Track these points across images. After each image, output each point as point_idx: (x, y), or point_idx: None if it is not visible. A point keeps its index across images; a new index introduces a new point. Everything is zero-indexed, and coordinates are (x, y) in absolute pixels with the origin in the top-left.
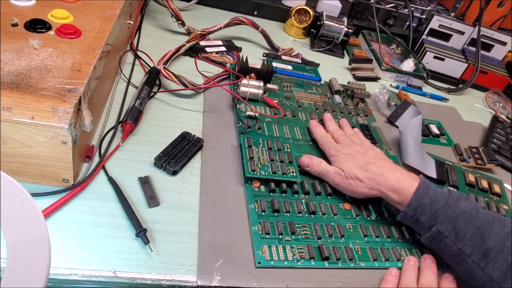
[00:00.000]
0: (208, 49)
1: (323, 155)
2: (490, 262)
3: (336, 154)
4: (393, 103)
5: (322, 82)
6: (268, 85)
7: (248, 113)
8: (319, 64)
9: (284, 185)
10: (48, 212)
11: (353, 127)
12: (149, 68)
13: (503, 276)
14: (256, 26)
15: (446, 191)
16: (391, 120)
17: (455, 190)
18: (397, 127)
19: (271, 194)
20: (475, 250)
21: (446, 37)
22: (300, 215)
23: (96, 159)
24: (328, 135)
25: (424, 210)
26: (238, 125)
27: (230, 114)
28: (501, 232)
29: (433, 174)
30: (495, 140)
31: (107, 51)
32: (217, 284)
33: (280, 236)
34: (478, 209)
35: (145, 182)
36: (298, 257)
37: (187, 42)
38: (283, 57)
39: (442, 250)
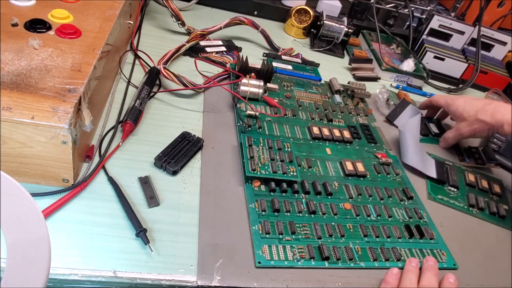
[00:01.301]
0: (208, 49)
1: (324, 154)
2: None
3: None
4: (393, 103)
5: (322, 82)
6: (268, 85)
7: (248, 112)
8: (319, 64)
9: (284, 185)
10: (48, 212)
11: (353, 126)
12: (149, 68)
13: None
14: (256, 26)
15: None
16: (390, 119)
17: None
18: (396, 126)
19: (271, 193)
20: None
21: (446, 37)
22: (300, 214)
23: (96, 159)
24: None
25: None
26: (239, 124)
27: (230, 114)
28: None
29: (433, 174)
30: (495, 140)
31: (107, 51)
32: (217, 284)
33: (280, 236)
34: None
35: (145, 182)
36: (298, 257)
37: (187, 42)
38: (283, 57)
39: None
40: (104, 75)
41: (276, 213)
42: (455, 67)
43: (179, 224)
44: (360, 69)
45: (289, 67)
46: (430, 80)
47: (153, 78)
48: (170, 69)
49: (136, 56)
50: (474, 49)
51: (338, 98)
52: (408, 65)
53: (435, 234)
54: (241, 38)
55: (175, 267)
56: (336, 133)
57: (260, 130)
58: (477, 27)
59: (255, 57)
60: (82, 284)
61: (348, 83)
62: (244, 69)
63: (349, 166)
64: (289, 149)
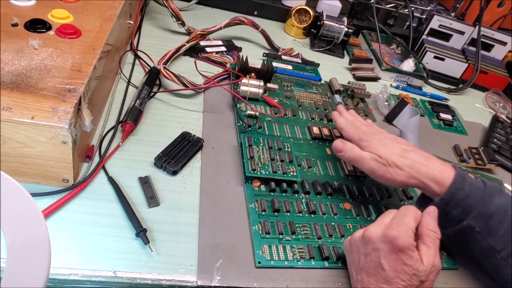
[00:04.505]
0: (208, 49)
1: (324, 153)
2: None
3: (368, 139)
4: (393, 102)
5: (322, 81)
6: (268, 85)
7: (248, 112)
8: (319, 64)
9: (284, 185)
10: (48, 212)
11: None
12: (149, 68)
13: None
14: (256, 26)
15: (482, 184)
16: (388, 119)
17: (490, 182)
18: (395, 126)
19: (272, 193)
20: (506, 247)
21: (446, 37)
22: (300, 214)
23: (96, 159)
24: (353, 123)
25: (457, 204)
26: (239, 124)
27: (230, 114)
28: None
29: None
30: (495, 140)
31: (107, 51)
32: (217, 284)
33: (280, 236)
34: None
35: (145, 182)
36: (298, 257)
37: (187, 42)
38: (283, 57)
39: (470, 243)
40: (104, 75)
41: (276, 213)
42: (455, 67)
43: (179, 224)
44: (360, 69)
45: (289, 67)
46: (430, 80)
47: (153, 78)
48: (170, 69)
49: (136, 56)
50: (474, 49)
51: (338, 98)
52: (408, 65)
53: None
54: (241, 38)
55: (175, 267)
56: (336, 133)
57: (260, 130)
58: (477, 27)
59: (255, 57)
60: (82, 284)
61: (348, 83)
62: (244, 69)
63: (349, 166)
64: (289, 149)
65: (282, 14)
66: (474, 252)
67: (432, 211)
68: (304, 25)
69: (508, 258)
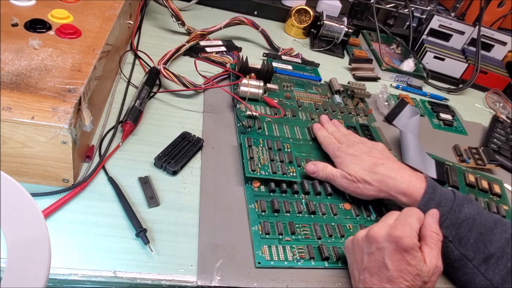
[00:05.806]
0: (208, 49)
1: (324, 154)
2: (490, 267)
3: (341, 156)
4: (393, 102)
5: (322, 82)
6: (268, 85)
7: (248, 113)
8: (319, 64)
9: (284, 185)
10: (48, 212)
11: (353, 126)
12: (149, 68)
13: (503, 281)
14: (256, 26)
15: (451, 194)
16: (388, 120)
17: (459, 192)
18: (395, 126)
19: (271, 194)
20: (476, 255)
21: (446, 37)
22: (300, 215)
23: (96, 159)
24: (331, 137)
25: None
26: (238, 125)
27: (230, 114)
28: (502, 239)
29: (433, 175)
30: (495, 140)
31: (107, 51)
32: (217, 284)
33: (280, 236)
34: (482, 213)
35: (145, 182)
36: (298, 257)
37: (187, 42)
38: (283, 57)
39: (444, 255)
40: (104, 75)
41: (276, 214)
42: (455, 67)
43: (179, 224)
44: (360, 69)
45: (289, 67)
46: (430, 80)
47: (153, 78)
48: (170, 69)
49: (136, 56)
50: (474, 49)
51: (338, 98)
52: (408, 65)
53: None
54: (241, 38)
55: (175, 267)
56: None
57: (260, 130)
58: (477, 27)
59: (255, 57)
60: (82, 284)
61: (348, 83)
62: (244, 69)
63: None
64: (289, 150)
65: (282, 14)
66: (449, 265)
67: (434, 214)
68: (304, 25)
69: (480, 266)
